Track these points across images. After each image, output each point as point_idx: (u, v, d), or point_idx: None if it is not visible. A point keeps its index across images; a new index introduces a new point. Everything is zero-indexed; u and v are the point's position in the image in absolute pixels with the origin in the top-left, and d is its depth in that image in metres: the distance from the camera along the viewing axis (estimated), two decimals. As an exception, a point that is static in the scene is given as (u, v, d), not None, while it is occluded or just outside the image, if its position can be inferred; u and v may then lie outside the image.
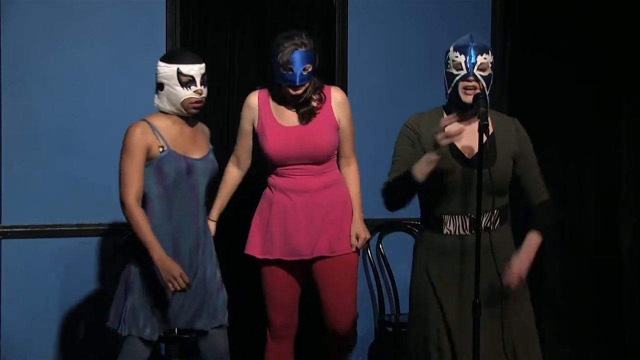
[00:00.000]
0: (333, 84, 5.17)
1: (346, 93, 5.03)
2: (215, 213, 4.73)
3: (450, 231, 3.91)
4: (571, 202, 5.80)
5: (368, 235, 4.73)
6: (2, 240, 5.22)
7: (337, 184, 4.70)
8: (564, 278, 5.82)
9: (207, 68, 4.33)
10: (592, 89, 5.79)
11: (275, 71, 4.58)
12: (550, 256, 5.72)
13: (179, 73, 4.24)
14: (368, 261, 5.67)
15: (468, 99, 3.84)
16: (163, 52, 5.30)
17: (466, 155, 3.89)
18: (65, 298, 5.29)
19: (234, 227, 4.95)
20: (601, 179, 5.79)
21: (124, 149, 4.23)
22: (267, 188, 4.72)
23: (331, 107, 4.68)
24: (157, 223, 4.24)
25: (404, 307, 5.41)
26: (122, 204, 4.21)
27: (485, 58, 3.86)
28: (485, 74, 3.85)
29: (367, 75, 5.62)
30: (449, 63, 3.89)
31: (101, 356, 5.29)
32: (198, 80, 4.27)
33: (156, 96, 4.32)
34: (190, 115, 4.33)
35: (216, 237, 4.58)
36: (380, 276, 5.66)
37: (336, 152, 4.72)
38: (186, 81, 4.25)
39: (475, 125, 3.83)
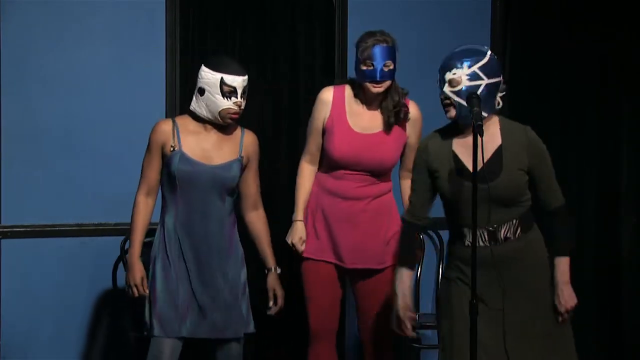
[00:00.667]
0: (333, 83, 5.16)
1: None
2: (300, 213, 4.56)
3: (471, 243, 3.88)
4: (571, 202, 5.78)
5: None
6: (2, 240, 5.22)
7: (386, 194, 4.55)
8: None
9: (249, 80, 4.28)
10: (592, 89, 5.78)
11: (356, 69, 4.45)
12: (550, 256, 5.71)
13: (222, 82, 4.20)
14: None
15: (449, 115, 3.85)
16: (163, 52, 5.33)
17: (471, 170, 3.84)
18: (65, 298, 5.29)
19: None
20: (601, 179, 5.78)
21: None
22: (315, 185, 4.56)
23: (405, 120, 4.54)
24: (168, 222, 4.25)
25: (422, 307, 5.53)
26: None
27: (454, 73, 3.81)
28: (456, 88, 3.80)
29: (367, 75, 5.61)
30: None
31: (101, 356, 5.29)
32: (239, 91, 4.22)
33: (194, 99, 4.28)
34: (225, 124, 4.28)
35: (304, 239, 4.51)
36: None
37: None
38: (228, 91, 4.20)
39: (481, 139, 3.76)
